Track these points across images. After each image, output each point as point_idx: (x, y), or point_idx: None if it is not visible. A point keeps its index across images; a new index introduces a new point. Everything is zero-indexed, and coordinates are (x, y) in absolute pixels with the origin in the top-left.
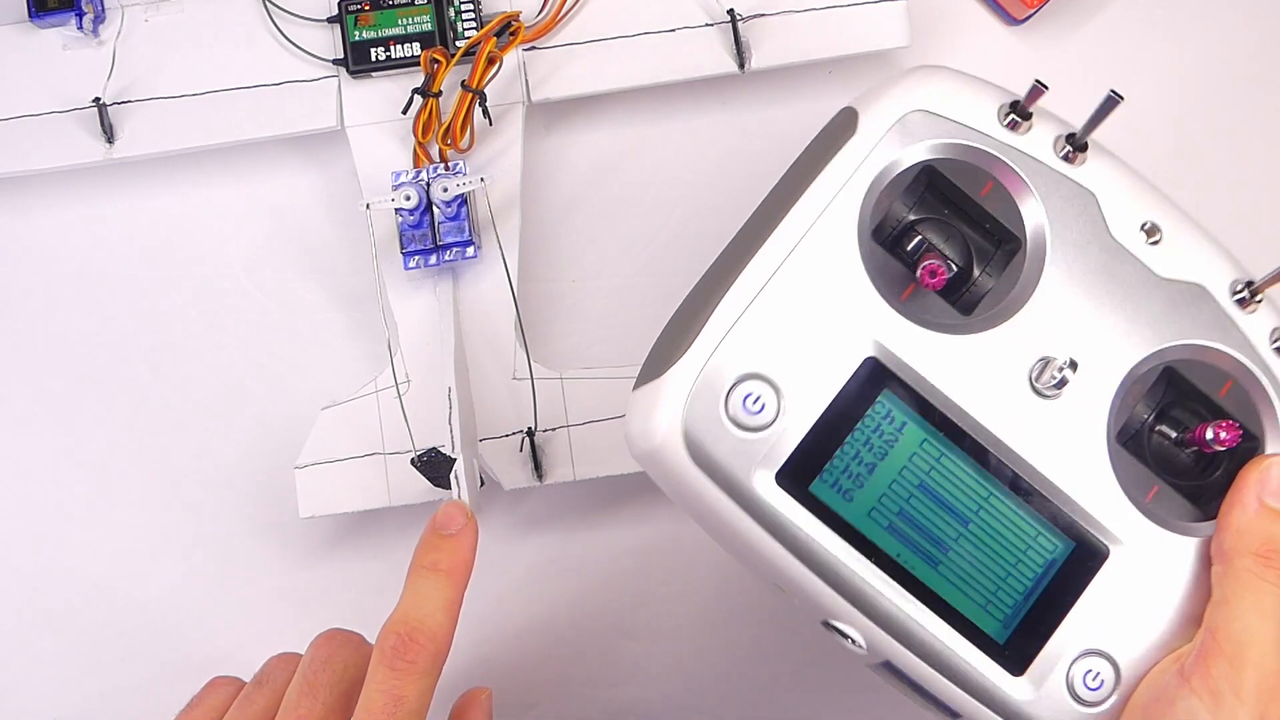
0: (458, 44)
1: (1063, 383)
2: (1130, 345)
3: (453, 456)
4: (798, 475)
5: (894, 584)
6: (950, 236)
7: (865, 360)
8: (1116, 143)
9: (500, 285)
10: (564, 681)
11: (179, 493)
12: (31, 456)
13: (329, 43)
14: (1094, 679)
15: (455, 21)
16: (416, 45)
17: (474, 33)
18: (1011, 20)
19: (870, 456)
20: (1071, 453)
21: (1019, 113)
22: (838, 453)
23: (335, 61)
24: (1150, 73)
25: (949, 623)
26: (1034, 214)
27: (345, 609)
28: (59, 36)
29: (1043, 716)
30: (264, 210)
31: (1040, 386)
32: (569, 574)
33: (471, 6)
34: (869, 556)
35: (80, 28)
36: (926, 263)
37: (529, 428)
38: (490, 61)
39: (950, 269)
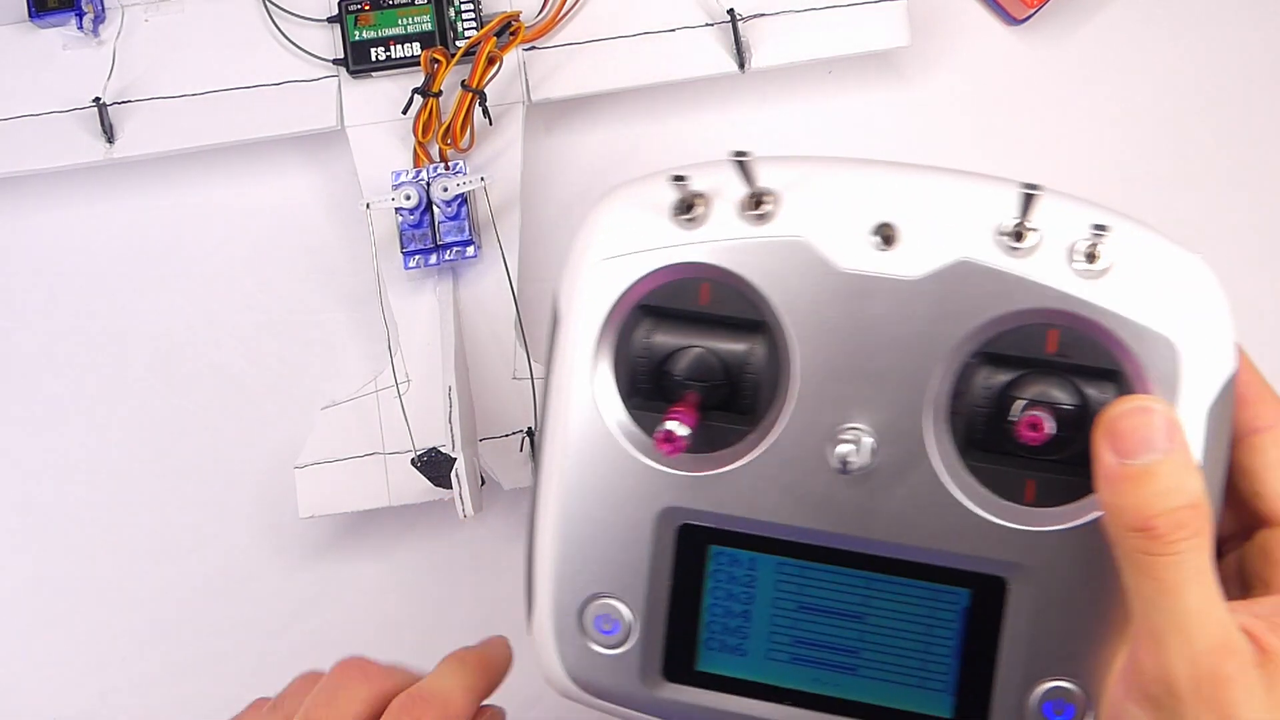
0: (458, 44)
1: (866, 452)
2: (915, 368)
3: (453, 456)
4: (682, 664)
5: (822, 716)
6: (697, 361)
7: (678, 529)
8: (1116, 143)
9: (500, 284)
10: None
11: (179, 493)
12: (31, 456)
13: (329, 43)
14: (1060, 709)
15: (455, 21)
16: (416, 45)
17: (474, 32)
18: (1011, 20)
19: (739, 606)
20: (916, 507)
21: (682, 207)
22: (705, 622)
23: (335, 61)
24: (1150, 73)
25: None
26: (754, 294)
27: (345, 609)
28: (59, 36)
29: None
30: (264, 210)
31: (843, 469)
32: None
33: (471, 6)
34: (785, 701)
35: (80, 28)
36: (668, 421)
37: (529, 427)
38: (490, 61)
39: (704, 395)
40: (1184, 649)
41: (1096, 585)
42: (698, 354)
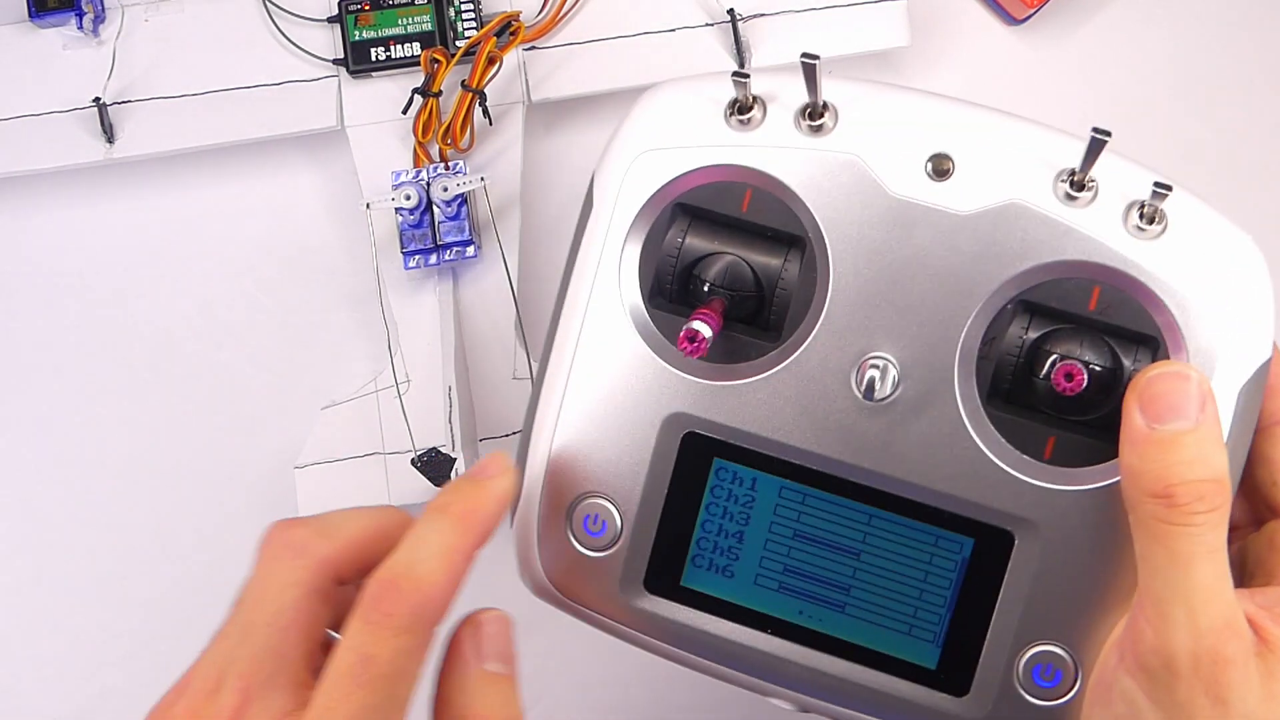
0: (458, 44)
1: (889, 382)
2: (953, 306)
3: (453, 456)
4: (665, 576)
5: (803, 649)
6: (729, 268)
7: (683, 437)
8: (1116, 144)
9: (500, 285)
10: (565, 681)
11: (179, 492)
12: (30, 456)
13: (329, 43)
14: (1048, 673)
15: (455, 21)
16: (416, 45)
17: (474, 32)
18: (1011, 20)
19: (733, 526)
20: (933, 446)
21: (741, 109)
22: (696, 538)
23: (335, 61)
24: (1150, 73)
25: (873, 666)
26: (799, 207)
27: None
28: (59, 36)
29: None
30: (264, 210)
31: (866, 394)
32: None
33: (471, 6)
34: (766, 629)
35: (80, 28)
36: (694, 320)
37: None
38: (490, 61)
39: (730, 304)
40: (1187, 623)
41: (1103, 552)
42: (730, 261)
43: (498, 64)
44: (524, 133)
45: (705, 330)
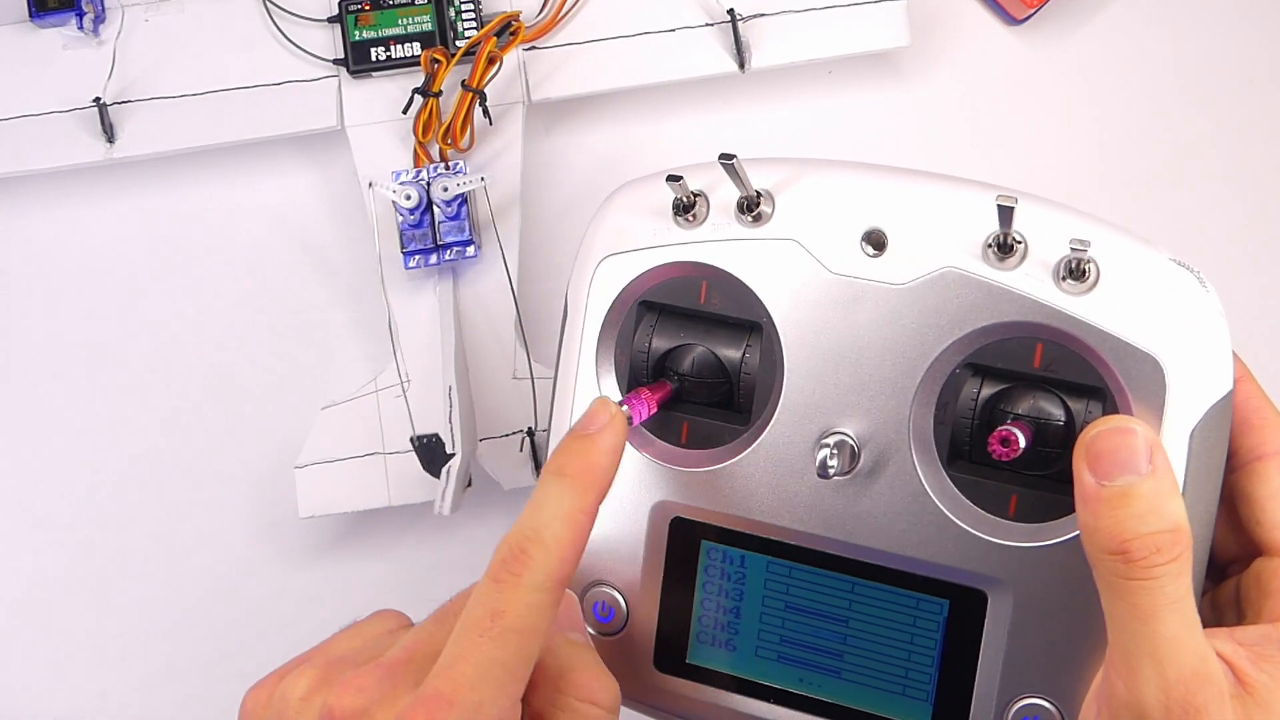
0: (458, 44)
1: (845, 458)
2: (901, 375)
3: (452, 452)
4: (672, 655)
5: (805, 715)
6: (697, 359)
7: (670, 522)
8: (1116, 144)
9: (500, 284)
10: None
11: (180, 492)
12: (30, 456)
13: (329, 42)
14: None
15: (455, 21)
16: (416, 45)
17: (474, 33)
18: (1011, 20)
19: (729, 602)
20: (898, 514)
21: (683, 205)
22: (696, 615)
23: (335, 61)
24: (1150, 73)
25: None
26: (750, 294)
27: (346, 609)
28: (59, 36)
29: None
30: (264, 210)
31: (820, 473)
32: None
33: (471, 6)
34: (769, 699)
35: (80, 27)
36: (629, 398)
37: (529, 427)
38: (490, 61)
39: (702, 392)
40: (1156, 676)
41: (1077, 604)
42: (695, 351)
43: (498, 64)
44: (524, 133)
45: (625, 410)
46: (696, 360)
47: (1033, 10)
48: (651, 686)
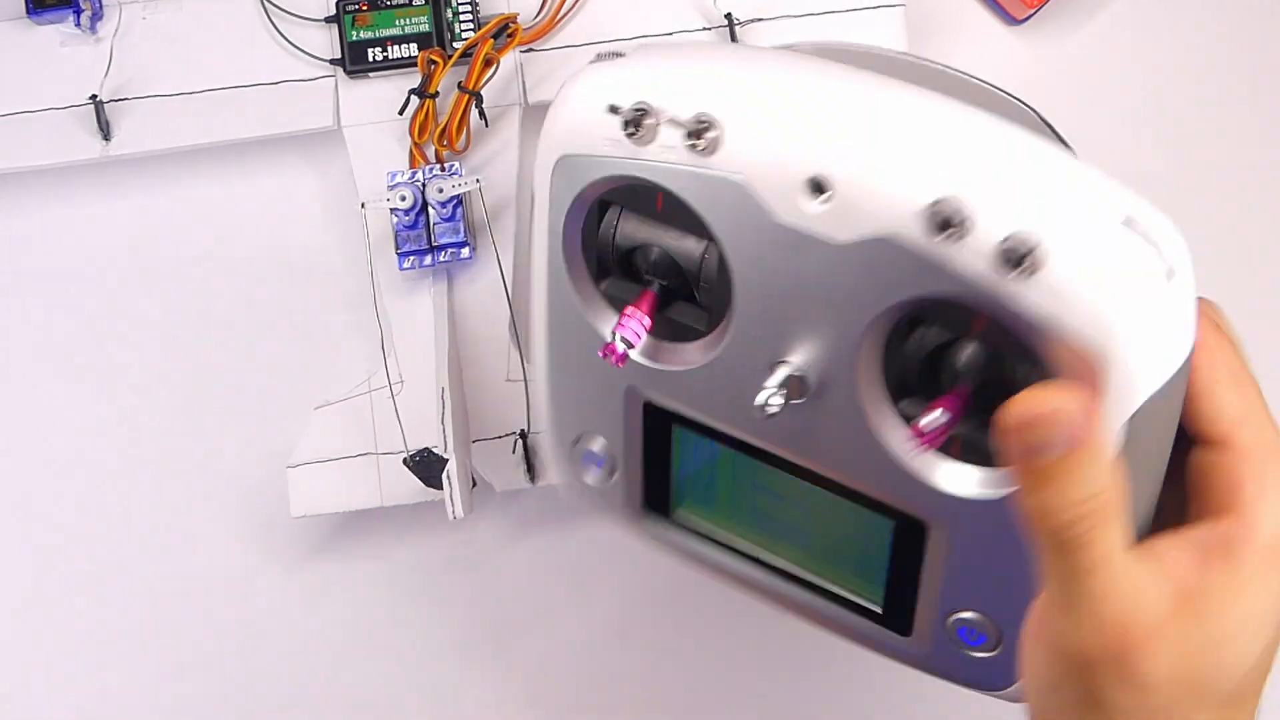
0: (455, 45)
1: (793, 390)
2: (844, 323)
3: (445, 457)
4: (659, 506)
5: (775, 578)
6: (658, 259)
7: (643, 405)
8: (1116, 144)
9: (495, 286)
10: (561, 679)
11: (175, 491)
12: (29, 456)
13: (326, 42)
14: (973, 635)
15: (453, 23)
16: (414, 46)
17: (471, 34)
18: (1011, 20)
19: (702, 476)
20: (846, 444)
21: (631, 124)
22: (675, 479)
23: (332, 61)
24: (1150, 73)
25: (833, 601)
26: (701, 219)
27: (339, 609)
28: (56, 33)
29: (947, 666)
30: (260, 210)
31: (764, 412)
32: (562, 575)
33: (469, 8)
34: (746, 559)
35: (78, 25)
36: (618, 329)
37: (522, 429)
38: (487, 63)
39: (665, 289)
40: (1092, 620)
41: (1012, 542)
42: (657, 252)
43: (494, 66)
44: (520, 135)
45: (623, 345)
46: (659, 260)
47: (1033, 10)
48: (646, 529)
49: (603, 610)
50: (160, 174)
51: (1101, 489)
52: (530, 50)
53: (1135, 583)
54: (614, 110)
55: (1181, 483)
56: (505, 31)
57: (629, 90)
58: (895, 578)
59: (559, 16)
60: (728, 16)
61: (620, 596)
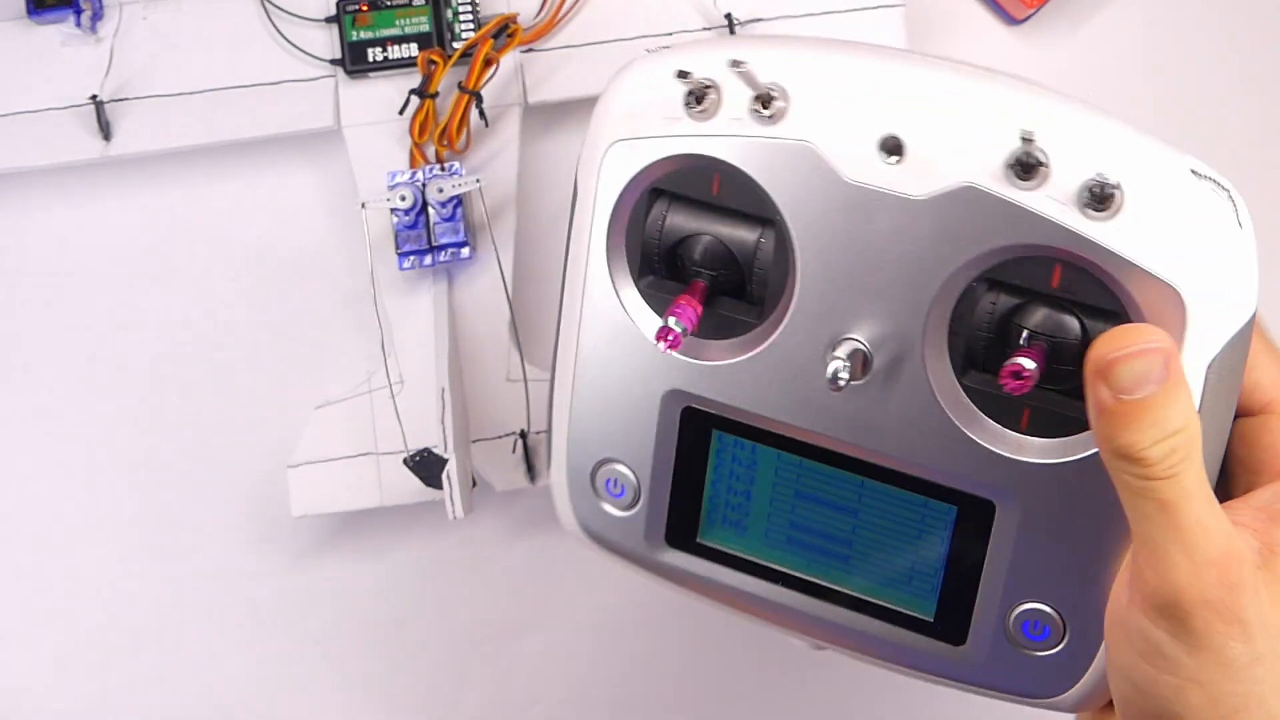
0: (455, 45)
1: (858, 366)
2: (917, 288)
3: (445, 457)
4: (683, 533)
5: (813, 599)
6: (707, 249)
7: (682, 410)
8: None
9: (495, 286)
10: (561, 679)
11: (176, 491)
12: (29, 456)
13: (327, 42)
14: (1036, 628)
15: (453, 23)
16: (414, 46)
17: (471, 34)
18: (1011, 20)
19: (740, 486)
20: (910, 423)
21: (695, 97)
22: (707, 498)
23: (333, 61)
24: (1150, 73)
25: (877, 617)
26: (763, 192)
27: (340, 609)
28: (57, 33)
29: (1002, 674)
30: (260, 209)
31: (832, 383)
32: (562, 575)
33: (469, 8)
34: (777, 581)
35: (78, 25)
36: (670, 316)
37: (522, 429)
38: (487, 63)
39: (714, 282)
40: (1186, 561)
41: (1083, 517)
42: (708, 241)
43: (495, 66)
44: (520, 135)
45: (678, 326)
46: (708, 250)
47: (1033, 10)
48: (663, 562)
49: (602, 610)
50: (160, 174)
51: (1186, 424)
52: (530, 50)
53: (1226, 526)
54: (683, 75)
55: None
56: (505, 31)
57: (693, 65)
58: (952, 576)
59: (559, 16)
60: (728, 16)
61: (620, 596)
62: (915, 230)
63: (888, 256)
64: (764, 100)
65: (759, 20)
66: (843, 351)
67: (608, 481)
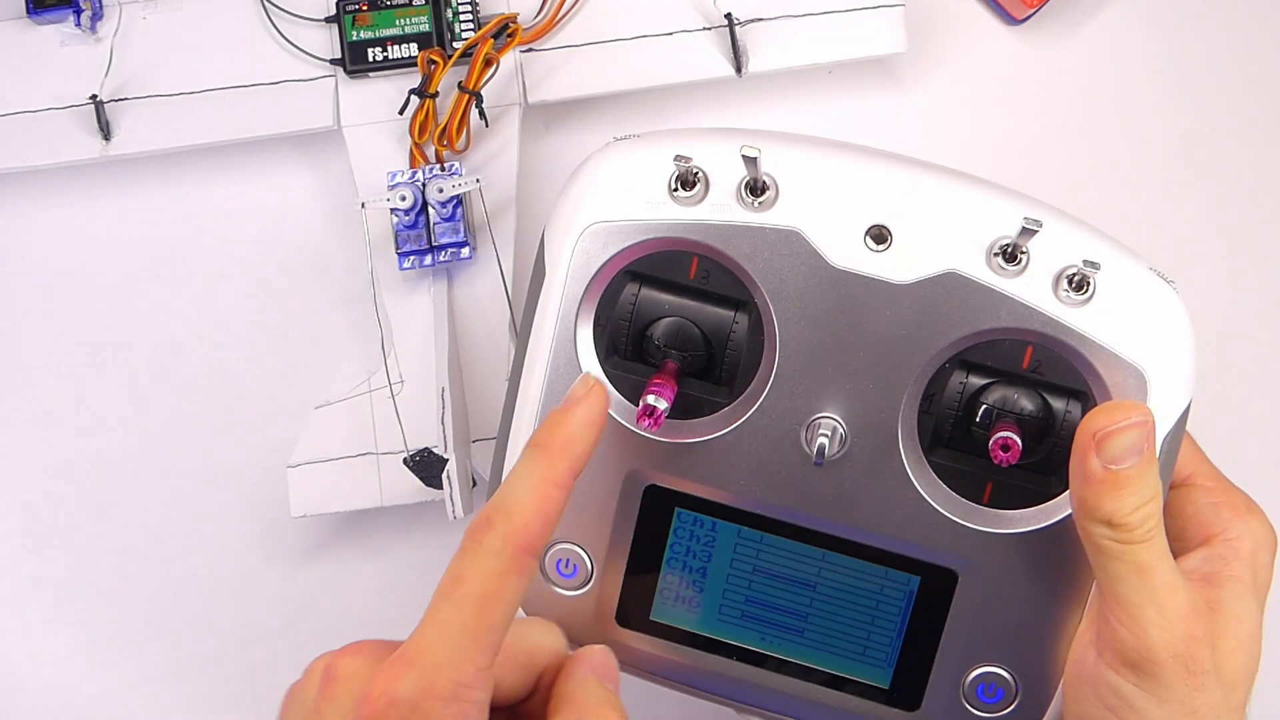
0: (455, 45)
1: (836, 443)
2: (896, 369)
3: (445, 457)
4: (636, 611)
5: (766, 672)
6: (680, 330)
7: (645, 489)
8: (1116, 143)
9: (495, 286)
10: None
11: (176, 491)
12: (28, 456)
13: (326, 42)
14: (990, 690)
15: (453, 23)
16: (414, 46)
17: (471, 34)
18: (1011, 20)
19: (696, 563)
20: (880, 498)
21: (682, 183)
22: (662, 577)
23: (333, 61)
24: (1150, 73)
25: (832, 686)
26: (745, 276)
27: (343, 609)
28: (56, 33)
29: None
30: (260, 209)
31: (817, 458)
32: None
33: (469, 8)
34: (732, 655)
35: (78, 24)
36: (649, 394)
37: None
38: (487, 63)
39: (683, 363)
40: (1159, 618)
41: (1040, 584)
42: (680, 324)
43: (494, 66)
44: (520, 135)
45: (661, 404)
46: (680, 332)
47: (1033, 10)
48: (612, 640)
49: None
50: (160, 174)
51: (1156, 492)
52: (530, 50)
53: (1187, 586)
54: (681, 160)
55: None
56: (505, 31)
57: (682, 164)
58: (910, 643)
59: (559, 16)
60: (728, 16)
61: None
62: (898, 313)
63: (869, 338)
64: (755, 188)
65: (759, 20)
66: (823, 429)
67: (558, 563)
